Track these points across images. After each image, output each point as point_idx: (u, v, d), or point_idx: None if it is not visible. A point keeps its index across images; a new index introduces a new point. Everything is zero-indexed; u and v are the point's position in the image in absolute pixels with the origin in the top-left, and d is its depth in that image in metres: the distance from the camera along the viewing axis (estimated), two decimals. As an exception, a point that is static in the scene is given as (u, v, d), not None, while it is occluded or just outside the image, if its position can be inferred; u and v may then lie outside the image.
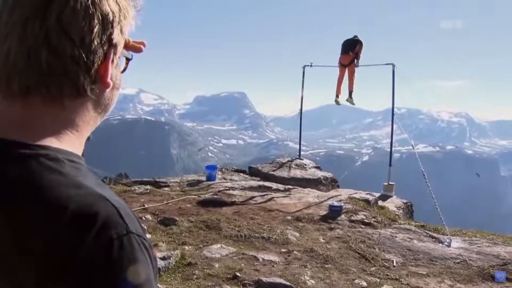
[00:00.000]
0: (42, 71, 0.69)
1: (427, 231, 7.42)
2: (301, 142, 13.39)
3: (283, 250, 6.00)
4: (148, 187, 9.00)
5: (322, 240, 6.57)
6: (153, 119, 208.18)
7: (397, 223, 7.83)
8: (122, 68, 0.83)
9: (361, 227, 7.30)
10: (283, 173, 11.33)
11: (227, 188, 9.22)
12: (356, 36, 11.27)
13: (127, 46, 0.82)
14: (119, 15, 0.74)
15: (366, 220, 7.60)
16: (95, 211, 0.64)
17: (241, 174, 11.67)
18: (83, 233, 0.62)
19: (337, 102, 11.78)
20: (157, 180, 10.06)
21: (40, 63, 0.68)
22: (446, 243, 6.79)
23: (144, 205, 7.37)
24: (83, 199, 0.65)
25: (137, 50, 0.84)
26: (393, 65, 10.83)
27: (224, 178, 10.72)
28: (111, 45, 0.74)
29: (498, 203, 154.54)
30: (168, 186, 9.57)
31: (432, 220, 8.47)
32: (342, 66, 11.28)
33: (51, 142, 0.71)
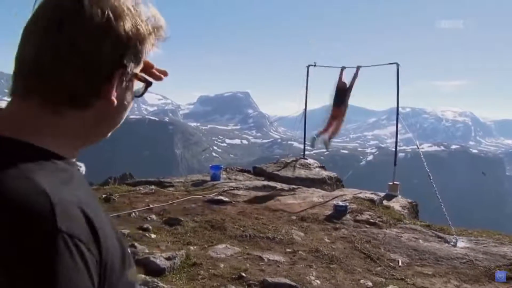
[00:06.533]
0: (45, 77, 0.73)
1: (433, 231, 7.39)
2: (305, 142, 13.38)
3: (288, 250, 5.98)
4: (153, 187, 9.02)
5: (327, 240, 6.55)
6: (157, 119, 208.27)
7: (402, 223, 7.80)
8: (140, 91, 0.86)
9: (366, 227, 7.28)
10: (287, 173, 11.32)
11: (232, 188, 9.22)
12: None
13: (147, 71, 0.85)
14: (136, 39, 0.77)
15: (371, 220, 7.58)
16: (21, 204, 0.63)
17: (246, 174, 11.67)
18: (13, 225, 0.61)
19: (313, 140, 11.46)
20: (162, 180, 10.07)
21: (44, 70, 0.72)
22: (452, 243, 6.75)
23: (149, 205, 7.38)
24: (17, 191, 0.64)
25: (156, 78, 0.87)
26: (397, 65, 10.80)
27: (229, 178, 10.72)
28: (120, 66, 0.76)
29: (504, 202, 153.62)
30: (172, 186, 9.58)
31: (437, 219, 8.43)
32: (332, 118, 11.09)
33: (35, 141, 0.73)
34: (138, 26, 0.77)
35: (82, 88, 0.74)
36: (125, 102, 0.83)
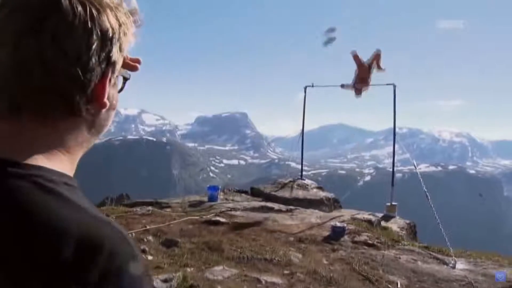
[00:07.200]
0: (35, 88, 0.65)
1: (431, 253, 7.34)
2: (303, 162, 13.39)
3: (286, 272, 5.93)
4: (150, 208, 8.96)
5: (325, 262, 6.50)
6: (154, 139, 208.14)
7: (400, 244, 7.76)
8: (119, 87, 0.79)
9: (364, 248, 7.23)
10: (285, 193, 11.29)
11: (229, 209, 9.18)
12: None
13: (124, 64, 0.77)
14: (119, 32, 0.70)
15: (369, 241, 7.54)
16: (101, 236, 0.61)
17: (243, 194, 11.64)
18: (91, 260, 0.59)
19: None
20: (159, 201, 10.04)
21: (32, 80, 0.64)
22: (451, 265, 6.71)
23: (145, 226, 7.32)
24: (86, 222, 0.62)
25: (133, 68, 0.80)
26: (394, 85, 10.93)
27: (226, 199, 10.68)
28: (110, 63, 0.70)
29: (501, 223, 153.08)
30: (170, 207, 9.53)
31: (435, 240, 8.39)
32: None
33: (42, 162, 0.66)
34: (119, 16, 0.70)
35: (76, 94, 0.67)
36: (114, 102, 0.76)
